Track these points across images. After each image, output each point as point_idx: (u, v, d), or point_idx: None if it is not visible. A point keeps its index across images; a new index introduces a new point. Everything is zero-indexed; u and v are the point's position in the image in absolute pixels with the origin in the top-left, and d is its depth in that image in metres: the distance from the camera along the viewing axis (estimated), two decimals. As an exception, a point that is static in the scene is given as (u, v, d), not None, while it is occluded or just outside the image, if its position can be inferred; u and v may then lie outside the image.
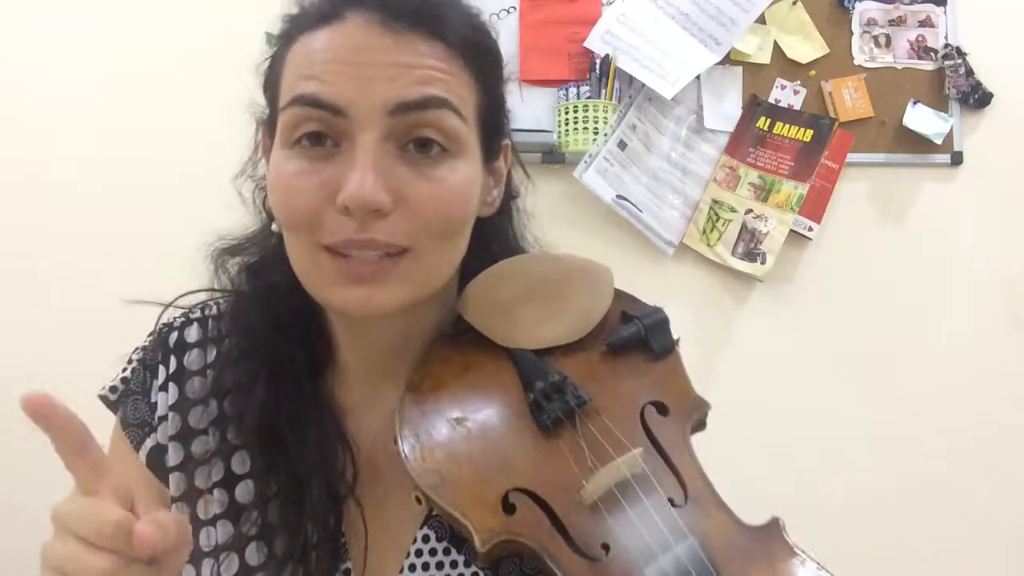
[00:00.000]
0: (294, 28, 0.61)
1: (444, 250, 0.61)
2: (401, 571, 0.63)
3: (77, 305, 1.62)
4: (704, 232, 1.80)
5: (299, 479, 0.62)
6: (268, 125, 0.64)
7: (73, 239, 1.70)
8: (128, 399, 0.69)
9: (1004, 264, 1.85)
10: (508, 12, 1.77)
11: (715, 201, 1.80)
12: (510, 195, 0.72)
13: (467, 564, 0.63)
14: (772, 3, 1.78)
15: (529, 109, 1.75)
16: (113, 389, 0.71)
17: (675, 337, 0.67)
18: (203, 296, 0.73)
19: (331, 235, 0.57)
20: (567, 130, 1.73)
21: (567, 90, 1.74)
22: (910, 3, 1.85)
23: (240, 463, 0.66)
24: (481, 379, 0.64)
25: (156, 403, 0.68)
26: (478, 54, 0.61)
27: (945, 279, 1.84)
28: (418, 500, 0.58)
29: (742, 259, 1.78)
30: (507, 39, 1.75)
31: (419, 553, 0.63)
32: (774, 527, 0.56)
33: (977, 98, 1.82)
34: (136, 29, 1.74)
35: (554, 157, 1.74)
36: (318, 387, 0.67)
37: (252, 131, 0.69)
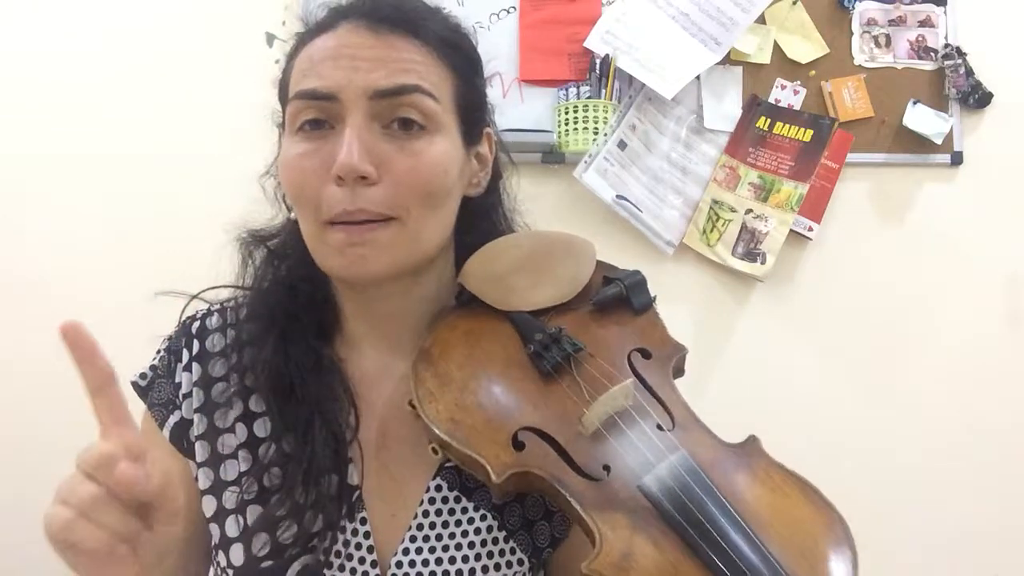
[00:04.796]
0: (299, 42, 0.72)
1: (428, 218, 0.69)
2: (415, 517, 0.70)
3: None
4: (704, 232, 1.80)
5: (306, 421, 0.70)
6: (283, 128, 0.73)
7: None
8: (155, 383, 0.76)
9: (1004, 264, 1.85)
10: (508, 12, 1.77)
11: (715, 201, 1.80)
12: (496, 177, 0.81)
13: (476, 509, 0.71)
14: (772, 3, 1.78)
15: (529, 109, 1.75)
16: (143, 376, 0.77)
17: (652, 295, 0.75)
18: (225, 293, 0.80)
19: (329, 210, 0.65)
20: (567, 130, 1.72)
21: (567, 90, 1.74)
22: (910, 3, 1.85)
23: (256, 403, 0.73)
24: (484, 339, 0.71)
25: (180, 383, 0.75)
26: (453, 50, 0.72)
27: (945, 279, 1.84)
28: (434, 451, 0.65)
29: (742, 259, 1.78)
30: (507, 39, 1.75)
31: (432, 501, 0.70)
32: (752, 443, 0.64)
33: (977, 98, 1.82)
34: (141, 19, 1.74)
35: (554, 157, 1.74)
36: (323, 345, 0.75)
37: (271, 132, 0.78)
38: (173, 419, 0.74)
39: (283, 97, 0.73)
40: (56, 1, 1.74)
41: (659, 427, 0.63)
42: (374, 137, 0.66)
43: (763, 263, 1.77)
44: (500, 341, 0.71)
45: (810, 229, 1.80)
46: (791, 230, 1.78)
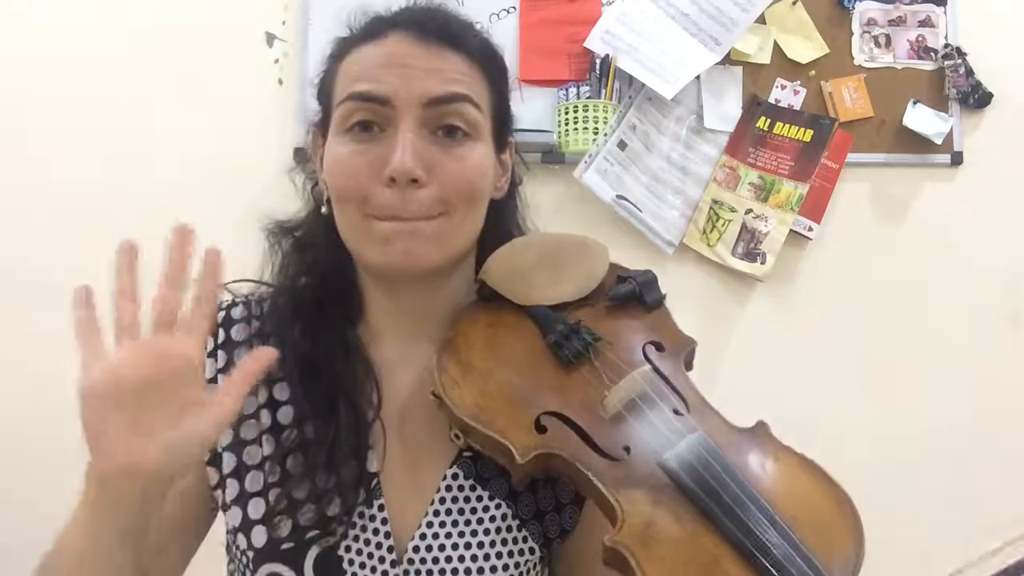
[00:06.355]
0: (344, 47, 0.76)
1: (469, 216, 0.73)
2: (432, 503, 0.72)
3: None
4: (704, 232, 1.80)
5: (330, 400, 0.72)
6: (320, 126, 0.78)
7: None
8: None
9: (1004, 264, 1.85)
10: (508, 12, 1.77)
11: (715, 201, 1.80)
12: (514, 182, 0.85)
13: (491, 498, 0.73)
14: (772, 3, 1.78)
15: (529, 109, 1.75)
16: None
17: (663, 293, 0.79)
18: (247, 288, 0.83)
19: (378, 209, 0.70)
20: (567, 130, 1.73)
21: (567, 90, 1.74)
22: (910, 3, 1.85)
23: (280, 391, 0.76)
24: (505, 331, 0.75)
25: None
26: (491, 64, 0.77)
27: (945, 279, 1.84)
28: (456, 436, 0.68)
29: (742, 259, 1.78)
30: (507, 39, 1.75)
31: (448, 488, 0.73)
32: (762, 427, 0.68)
33: (977, 98, 1.82)
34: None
35: (554, 157, 1.74)
36: (348, 331, 0.78)
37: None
38: None
39: (323, 97, 0.77)
40: (56, 1, 1.74)
41: (676, 411, 0.67)
42: (424, 143, 0.70)
43: (763, 263, 1.77)
44: (520, 333, 0.74)
45: (810, 229, 1.80)
46: (791, 230, 1.78)
